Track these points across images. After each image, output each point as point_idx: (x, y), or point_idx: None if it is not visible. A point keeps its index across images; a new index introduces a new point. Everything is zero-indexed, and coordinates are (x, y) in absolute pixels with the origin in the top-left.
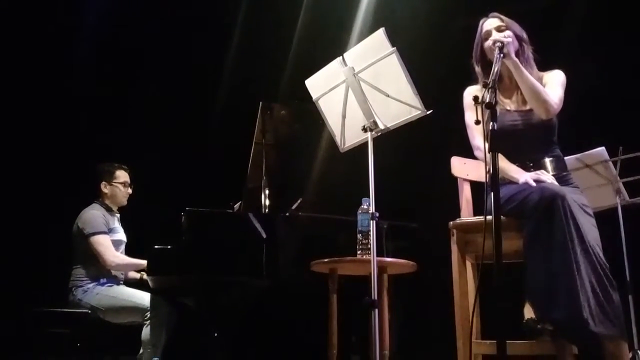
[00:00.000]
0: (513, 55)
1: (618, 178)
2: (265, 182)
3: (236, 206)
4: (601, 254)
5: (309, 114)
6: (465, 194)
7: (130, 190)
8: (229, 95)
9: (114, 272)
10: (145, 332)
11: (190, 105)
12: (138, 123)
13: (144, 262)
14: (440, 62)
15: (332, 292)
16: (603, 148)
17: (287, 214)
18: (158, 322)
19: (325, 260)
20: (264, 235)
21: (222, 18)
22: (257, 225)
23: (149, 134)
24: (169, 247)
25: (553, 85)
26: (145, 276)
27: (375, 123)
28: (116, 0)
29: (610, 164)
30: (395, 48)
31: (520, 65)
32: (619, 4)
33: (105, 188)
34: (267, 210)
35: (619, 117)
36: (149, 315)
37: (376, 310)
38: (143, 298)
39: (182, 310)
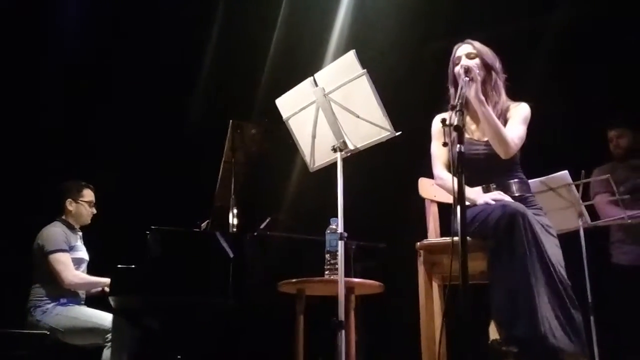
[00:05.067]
0: (479, 92)
1: (580, 201)
2: (233, 201)
3: (203, 225)
4: (563, 272)
5: (279, 133)
6: (433, 215)
7: (94, 211)
8: (199, 113)
9: (74, 291)
10: (106, 354)
11: (159, 123)
12: (104, 139)
13: (104, 280)
14: (410, 84)
15: (299, 313)
16: (566, 172)
17: (255, 234)
18: (120, 344)
19: (293, 280)
20: (231, 255)
21: (195, 35)
22: (224, 245)
23: (116, 151)
24: (132, 266)
25: (515, 123)
26: (107, 289)
27: (344, 143)
28: (86, 16)
29: (573, 187)
30: (365, 70)
31: (484, 104)
32: (588, 33)
33: (70, 205)
34: (234, 229)
35: (581, 142)
36: (110, 337)
37: (343, 331)
38: (104, 319)
39: (145, 331)
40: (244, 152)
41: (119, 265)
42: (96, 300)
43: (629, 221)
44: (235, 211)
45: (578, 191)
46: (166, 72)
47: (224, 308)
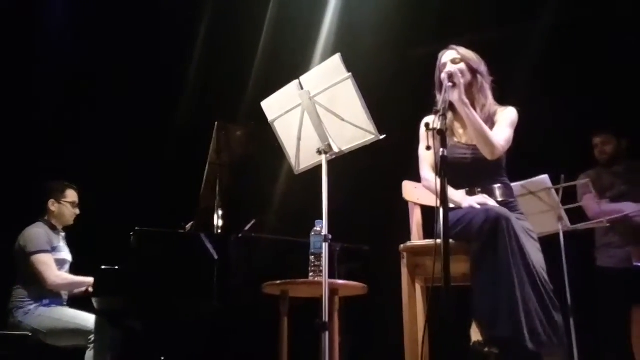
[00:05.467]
0: (463, 95)
1: (560, 205)
2: (218, 202)
3: (188, 226)
4: (545, 275)
5: (265, 135)
6: (416, 217)
7: (77, 211)
8: (185, 115)
9: (56, 292)
10: (89, 355)
11: (144, 123)
12: (88, 140)
13: (87, 280)
14: (395, 88)
15: (283, 314)
16: (546, 176)
17: (240, 235)
18: (102, 345)
19: (277, 282)
20: (216, 257)
21: (183, 37)
22: (209, 246)
23: (100, 152)
24: (116, 267)
25: (503, 126)
26: (91, 290)
27: (329, 146)
28: (75, 16)
29: (553, 191)
30: (350, 74)
31: (468, 107)
32: (573, 39)
33: (52, 206)
34: (219, 231)
35: (562, 146)
36: (93, 339)
37: (327, 333)
38: (87, 320)
39: (128, 333)
40: (229, 154)
41: (103, 266)
42: (78, 302)
43: (608, 225)
44: (220, 213)
45: (558, 195)
46: (152, 72)
47: (208, 309)
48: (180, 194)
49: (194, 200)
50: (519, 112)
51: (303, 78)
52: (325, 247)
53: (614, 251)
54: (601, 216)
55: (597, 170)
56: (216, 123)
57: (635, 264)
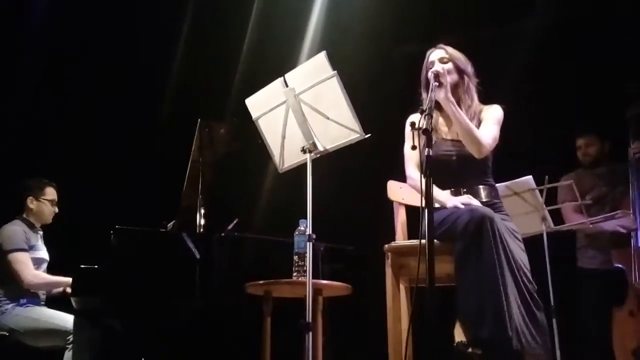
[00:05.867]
0: (449, 93)
1: (544, 206)
2: (200, 201)
3: (169, 225)
4: (529, 276)
5: (249, 133)
6: (401, 217)
7: (56, 209)
8: (168, 112)
9: (33, 292)
10: (68, 356)
11: (126, 121)
12: (68, 138)
13: (65, 280)
14: (380, 87)
15: (266, 315)
16: (530, 177)
17: (223, 235)
18: (81, 346)
19: (260, 282)
20: (198, 256)
21: (166, 33)
22: (191, 246)
23: (81, 149)
24: (95, 266)
25: (489, 124)
26: (69, 290)
27: (314, 145)
28: (54, 12)
29: (537, 192)
30: (336, 72)
31: (454, 105)
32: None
33: (31, 203)
34: (201, 230)
35: (546, 147)
36: (71, 339)
37: (310, 333)
38: (66, 320)
39: (107, 333)
40: (212, 152)
41: (82, 265)
42: (56, 301)
43: (591, 226)
44: (202, 211)
45: (542, 196)
46: (134, 69)
47: (189, 309)
48: (162, 192)
49: (175, 199)
50: (503, 110)
51: (288, 76)
52: (309, 246)
53: (595, 252)
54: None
55: (579, 172)
56: (199, 120)
57: (616, 265)
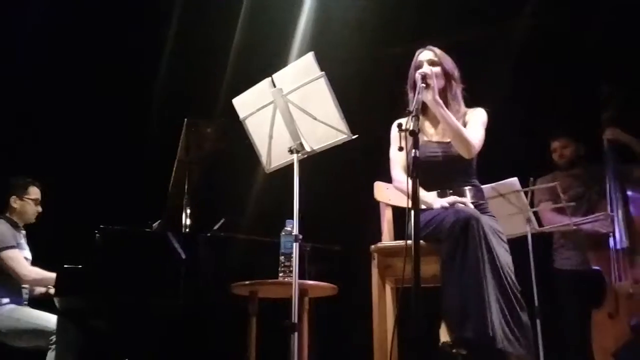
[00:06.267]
0: (437, 95)
1: (529, 207)
2: (187, 201)
3: (155, 225)
4: (513, 277)
5: (236, 133)
6: (387, 218)
7: (40, 209)
8: (156, 111)
9: (17, 291)
10: (51, 357)
11: (112, 119)
12: (52, 136)
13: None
14: (368, 88)
15: (252, 315)
16: (516, 179)
17: (209, 235)
18: (65, 346)
19: (246, 282)
20: (183, 256)
21: (155, 32)
22: (177, 246)
23: (66, 148)
24: (79, 266)
25: (475, 126)
26: (52, 290)
27: (301, 145)
28: (37, 11)
29: (522, 194)
30: (323, 72)
31: (442, 107)
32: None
33: (15, 203)
34: (187, 230)
35: (531, 149)
36: (54, 339)
37: (296, 334)
38: (49, 320)
39: (91, 333)
40: (199, 152)
41: (66, 265)
42: (39, 301)
43: (574, 227)
44: (188, 211)
45: (527, 198)
46: (122, 68)
47: (175, 310)
48: (148, 191)
49: (162, 199)
50: (487, 113)
51: (276, 76)
52: (295, 247)
53: (571, 253)
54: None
55: (554, 174)
56: (185, 120)
57: (593, 266)
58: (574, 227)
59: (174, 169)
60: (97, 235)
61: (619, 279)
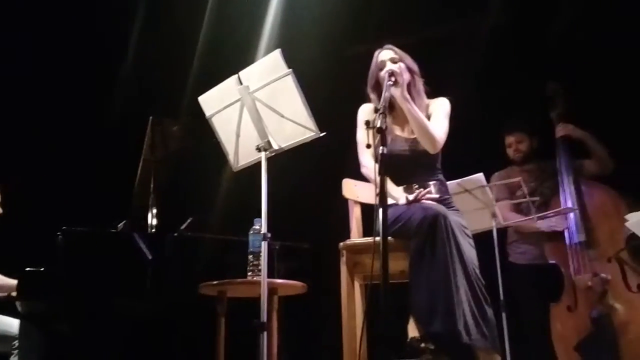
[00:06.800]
0: (405, 91)
1: (494, 202)
2: (153, 200)
3: (120, 226)
4: (478, 272)
5: (203, 131)
6: (356, 215)
7: (1, 211)
8: (121, 109)
9: None
10: None
11: (77, 118)
12: (12, 135)
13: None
14: (336, 85)
15: (220, 315)
16: (481, 174)
17: (176, 235)
18: (28, 351)
19: (214, 282)
20: (150, 257)
21: (118, 27)
22: (143, 246)
23: (27, 147)
24: (42, 269)
25: (438, 118)
26: (14, 293)
27: (269, 143)
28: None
29: (487, 189)
30: (291, 70)
31: (410, 103)
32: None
33: None
34: (154, 230)
35: (495, 145)
36: (17, 344)
37: (265, 333)
38: (11, 325)
39: (55, 337)
40: (164, 150)
41: (28, 268)
42: (0, 305)
43: (538, 222)
44: (154, 211)
45: (492, 193)
46: (86, 66)
47: (142, 311)
48: (113, 192)
49: (127, 199)
50: (450, 102)
51: (242, 73)
52: (264, 245)
53: (526, 247)
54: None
55: (508, 170)
56: (151, 118)
57: (549, 261)
58: (539, 222)
59: (139, 168)
60: (60, 237)
61: (577, 272)
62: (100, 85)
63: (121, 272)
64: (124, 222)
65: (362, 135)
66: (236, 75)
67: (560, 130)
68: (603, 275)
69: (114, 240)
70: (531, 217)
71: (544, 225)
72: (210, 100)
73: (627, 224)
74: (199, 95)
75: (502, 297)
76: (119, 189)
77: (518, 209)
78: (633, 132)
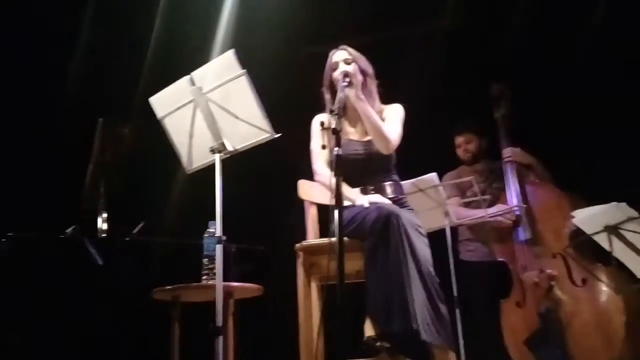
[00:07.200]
0: (359, 92)
1: (447, 201)
2: (103, 204)
3: (69, 231)
4: (432, 270)
5: (155, 133)
6: (312, 216)
7: None
8: (69, 111)
9: None
10: None
11: (23, 121)
12: None
13: None
14: (291, 86)
15: (174, 321)
16: (434, 174)
17: (127, 239)
18: None
19: (168, 287)
20: (101, 262)
21: (66, 26)
22: (93, 252)
23: None
24: None
25: (392, 122)
26: None
27: (223, 144)
28: None
29: (440, 188)
30: (245, 70)
31: (364, 103)
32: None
33: None
34: (104, 234)
35: (448, 145)
36: None
37: (221, 337)
38: None
39: (4, 349)
40: (115, 153)
41: None
42: None
43: (490, 219)
44: (104, 215)
45: (444, 193)
46: (35, 66)
47: (93, 318)
48: (61, 196)
49: (76, 203)
50: (404, 108)
51: (195, 74)
52: (219, 248)
53: (476, 245)
54: (460, 218)
55: (459, 170)
56: (100, 120)
57: (498, 259)
58: (491, 220)
59: (89, 171)
60: (4, 243)
61: (524, 269)
62: (48, 85)
63: (71, 279)
64: (73, 227)
65: (317, 141)
66: (188, 76)
67: (508, 155)
68: (549, 271)
69: (63, 245)
70: (482, 215)
71: (492, 220)
72: (162, 101)
73: (573, 220)
74: (151, 96)
75: (455, 294)
76: (67, 192)
77: (470, 207)
78: (576, 132)
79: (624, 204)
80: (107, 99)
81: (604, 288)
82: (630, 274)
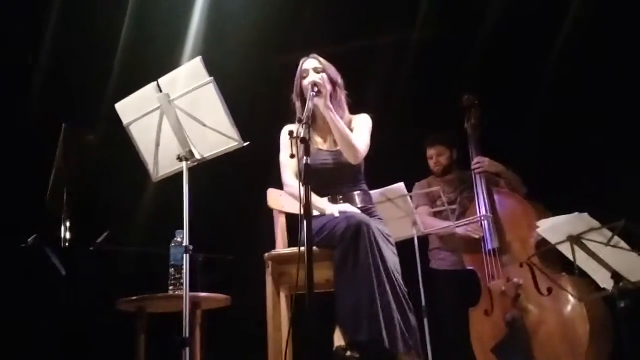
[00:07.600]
0: (328, 101)
1: (415, 211)
2: (66, 212)
3: (30, 240)
4: (400, 279)
5: (121, 140)
6: (281, 225)
7: None
8: (33, 117)
9: None
10: None
11: None
12: None
13: None
14: (259, 94)
15: (140, 332)
16: (402, 183)
17: (92, 248)
18: None
19: (133, 297)
20: (63, 272)
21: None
22: (55, 261)
23: None
24: None
25: (360, 132)
26: None
27: (190, 152)
28: None
29: (408, 198)
30: (212, 78)
31: (333, 112)
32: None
33: None
34: (67, 244)
35: (416, 154)
36: None
37: (187, 349)
38: None
39: None
40: (79, 160)
41: None
42: None
43: (457, 229)
44: (67, 224)
45: (412, 202)
46: None
47: (56, 330)
48: (22, 203)
49: (37, 211)
50: (372, 118)
51: (162, 80)
52: (185, 258)
53: (446, 254)
54: (428, 227)
55: (429, 180)
56: (63, 125)
57: (467, 267)
58: (457, 229)
59: (51, 178)
60: None
61: (492, 277)
62: (11, 89)
63: (32, 289)
64: (34, 235)
65: (286, 152)
66: (155, 82)
67: (477, 165)
68: (515, 279)
69: (24, 255)
70: (449, 224)
71: (461, 232)
72: (127, 108)
73: (538, 230)
74: (117, 102)
75: (423, 303)
76: (28, 200)
77: (439, 216)
78: (545, 139)
79: (585, 214)
80: (74, 103)
81: (569, 297)
82: (593, 282)
